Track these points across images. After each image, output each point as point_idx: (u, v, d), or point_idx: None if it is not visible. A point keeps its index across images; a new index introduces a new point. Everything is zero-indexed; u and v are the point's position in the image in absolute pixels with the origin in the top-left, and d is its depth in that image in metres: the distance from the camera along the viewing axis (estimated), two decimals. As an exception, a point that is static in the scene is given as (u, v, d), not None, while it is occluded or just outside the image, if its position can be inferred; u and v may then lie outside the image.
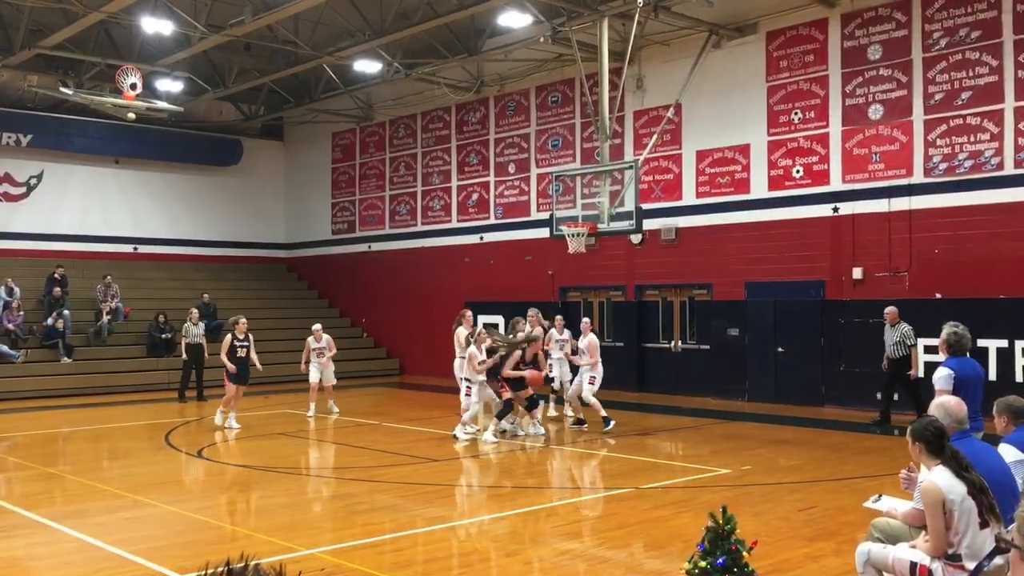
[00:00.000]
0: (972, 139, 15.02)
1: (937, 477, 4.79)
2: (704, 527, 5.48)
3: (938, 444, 4.92)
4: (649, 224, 17.61)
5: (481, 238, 22.79)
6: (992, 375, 14.11)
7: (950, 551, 4.76)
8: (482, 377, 13.22)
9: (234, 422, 14.43)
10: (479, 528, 8.25)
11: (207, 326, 22.98)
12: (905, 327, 14.19)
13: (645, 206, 17.21)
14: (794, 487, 9.73)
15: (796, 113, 17.13)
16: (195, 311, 19.19)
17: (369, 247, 26.00)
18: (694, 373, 18.53)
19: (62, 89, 20.50)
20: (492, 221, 22.56)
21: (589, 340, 14.24)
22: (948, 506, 4.72)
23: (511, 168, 22.10)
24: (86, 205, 25.36)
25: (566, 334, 15.13)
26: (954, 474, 4.77)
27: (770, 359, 17.28)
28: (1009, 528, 4.62)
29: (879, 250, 16.04)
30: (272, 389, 20.45)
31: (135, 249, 26.12)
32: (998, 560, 4.69)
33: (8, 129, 23.69)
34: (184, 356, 18.86)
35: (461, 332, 14.39)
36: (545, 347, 14.69)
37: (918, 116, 15.60)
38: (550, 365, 14.79)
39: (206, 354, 18.99)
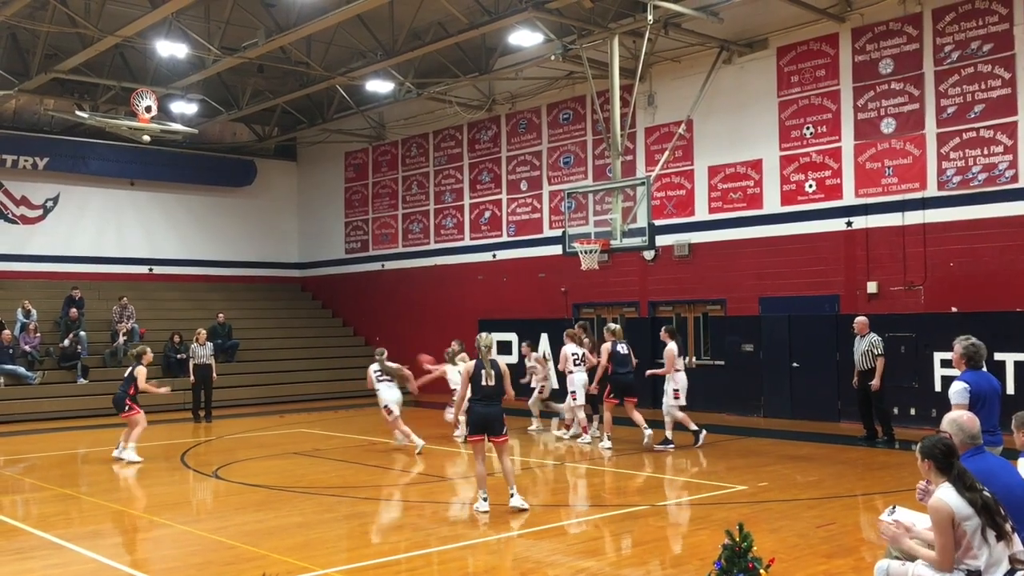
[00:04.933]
0: (986, 152, 14.98)
1: (945, 495, 4.79)
2: (721, 544, 5.46)
3: (947, 462, 4.91)
4: (662, 240, 17.61)
5: (494, 256, 22.82)
6: (1010, 389, 13.99)
7: (972, 565, 4.73)
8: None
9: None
10: (495, 546, 8.23)
11: (222, 346, 23.12)
12: (873, 337, 14.04)
13: (658, 222, 17.22)
14: (811, 503, 9.66)
15: (808, 128, 17.12)
16: (202, 332, 19.14)
17: (382, 266, 26.07)
18: (709, 389, 18.41)
19: (78, 112, 20.69)
20: (505, 239, 22.60)
21: (668, 349, 14.08)
22: (958, 523, 4.70)
23: (523, 186, 22.15)
24: (102, 227, 25.57)
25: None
26: (960, 493, 4.75)
27: (785, 374, 17.19)
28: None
29: (893, 264, 15.98)
30: (286, 408, 20.49)
31: (150, 270, 26.29)
32: (1017, 576, 4.66)
33: (25, 152, 23.93)
34: (192, 378, 18.88)
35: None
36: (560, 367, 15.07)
37: (931, 129, 15.57)
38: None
39: (215, 375, 18.99)
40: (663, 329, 14.52)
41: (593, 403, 15.03)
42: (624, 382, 13.67)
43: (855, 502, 9.96)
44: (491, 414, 9.48)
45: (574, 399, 14.73)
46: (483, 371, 9.44)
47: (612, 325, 14.23)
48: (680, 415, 13.90)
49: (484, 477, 9.57)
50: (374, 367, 14.68)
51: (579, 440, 14.70)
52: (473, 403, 9.58)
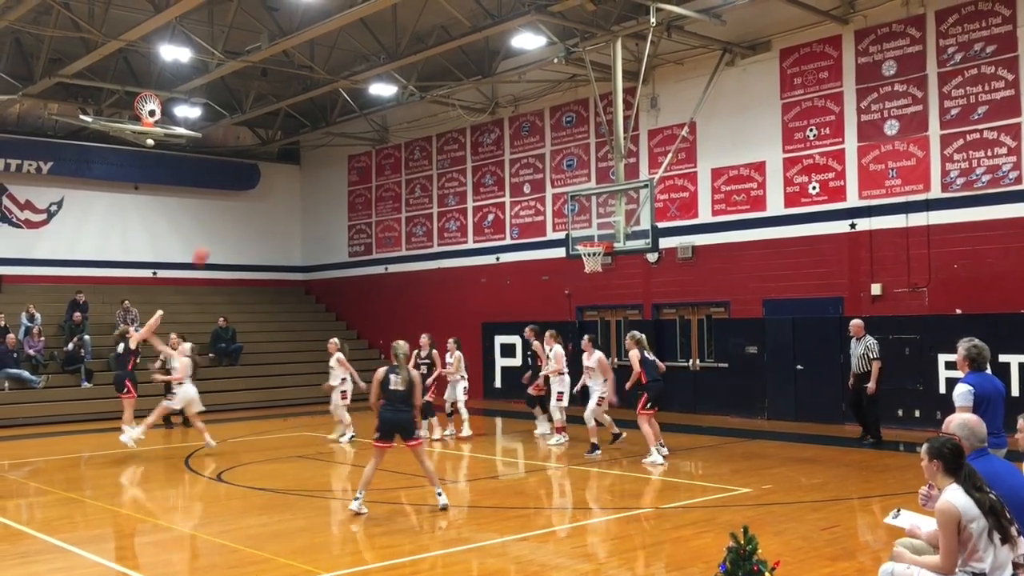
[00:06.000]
0: (989, 153, 14.96)
1: (953, 497, 4.77)
2: (725, 547, 5.45)
3: (956, 463, 4.90)
4: (665, 242, 17.60)
5: (497, 259, 22.83)
6: (1015, 391, 13.99)
7: (977, 568, 4.72)
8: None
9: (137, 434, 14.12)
10: (498, 549, 8.22)
11: (225, 350, 23.14)
12: (869, 340, 14.10)
13: (661, 224, 17.21)
14: (816, 506, 9.65)
15: (811, 130, 17.11)
16: (174, 336, 18.74)
17: (386, 269, 26.09)
18: (713, 391, 18.44)
19: (82, 117, 20.74)
20: (508, 241, 22.60)
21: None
22: (964, 525, 4.69)
23: (526, 188, 22.16)
24: (106, 231, 25.61)
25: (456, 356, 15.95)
26: (969, 493, 4.74)
27: (789, 377, 17.18)
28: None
29: (898, 266, 15.96)
30: (290, 412, 20.49)
31: (154, 274, 26.32)
32: (1021, 580, 4.66)
33: (29, 157, 23.98)
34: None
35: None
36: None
37: (934, 131, 15.56)
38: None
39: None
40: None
41: (541, 403, 15.72)
42: (659, 390, 13.09)
43: (859, 504, 9.95)
44: (398, 419, 9.61)
45: (560, 400, 14.69)
46: (392, 376, 9.59)
47: (636, 333, 13.46)
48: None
49: (369, 479, 9.63)
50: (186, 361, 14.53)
51: (551, 441, 14.75)
52: (382, 408, 9.68)
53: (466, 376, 16.15)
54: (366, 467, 9.71)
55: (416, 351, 15.42)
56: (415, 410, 9.71)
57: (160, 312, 14.88)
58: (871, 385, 13.82)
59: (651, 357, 13.28)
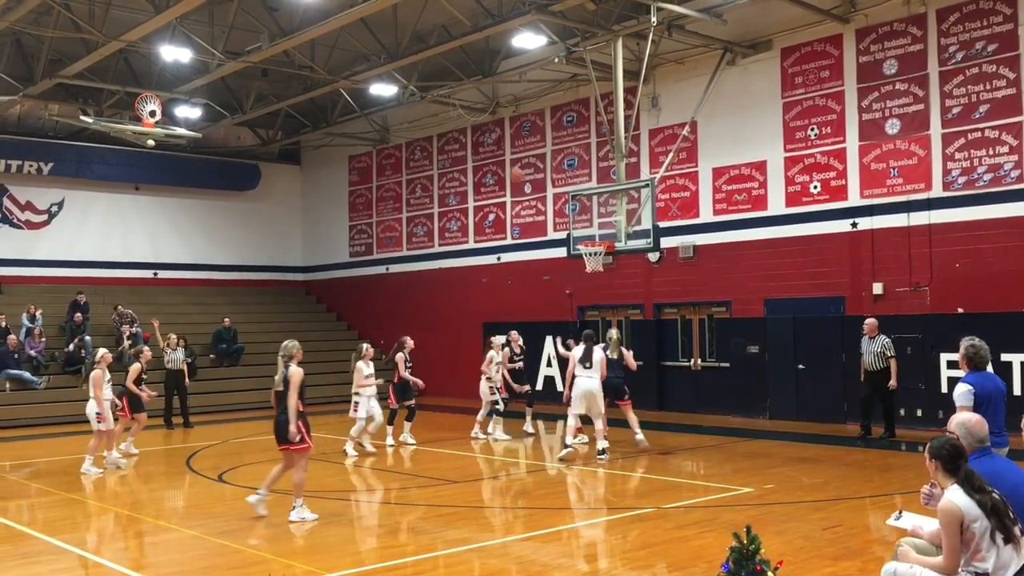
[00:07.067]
0: (991, 152, 14.94)
1: (955, 496, 4.78)
2: (728, 547, 5.44)
3: (954, 464, 4.90)
4: (666, 242, 17.60)
5: (498, 258, 22.82)
6: (1016, 390, 13.97)
7: (980, 568, 4.72)
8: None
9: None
10: (501, 550, 8.21)
11: (227, 350, 23.13)
12: (884, 339, 14.26)
13: (662, 224, 17.20)
14: (818, 505, 9.64)
15: (812, 129, 17.09)
16: (173, 336, 18.80)
17: (387, 269, 26.08)
18: (714, 391, 18.43)
19: (82, 118, 20.75)
20: (509, 241, 22.59)
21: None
22: (967, 525, 4.69)
23: (527, 188, 22.14)
24: (106, 232, 25.62)
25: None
26: (968, 495, 4.74)
27: (791, 376, 17.17)
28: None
29: (899, 265, 15.94)
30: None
31: (155, 274, 26.33)
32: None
33: (30, 158, 23.99)
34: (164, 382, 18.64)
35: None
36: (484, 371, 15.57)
37: (936, 130, 15.54)
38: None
39: (187, 380, 18.48)
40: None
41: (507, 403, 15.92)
42: (608, 385, 13.30)
43: (861, 504, 9.93)
44: (277, 421, 9.39)
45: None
46: (275, 378, 9.36)
47: (610, 331, 14.38)
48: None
49: (295, 485, 9.39)
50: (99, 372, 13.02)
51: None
52: None
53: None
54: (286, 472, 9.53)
55: (403, 353, 15.36)
56: (289, 412, 9.18)
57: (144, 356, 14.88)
58: (893, 382, 14.06)
59: (612, 356, 13.55)
